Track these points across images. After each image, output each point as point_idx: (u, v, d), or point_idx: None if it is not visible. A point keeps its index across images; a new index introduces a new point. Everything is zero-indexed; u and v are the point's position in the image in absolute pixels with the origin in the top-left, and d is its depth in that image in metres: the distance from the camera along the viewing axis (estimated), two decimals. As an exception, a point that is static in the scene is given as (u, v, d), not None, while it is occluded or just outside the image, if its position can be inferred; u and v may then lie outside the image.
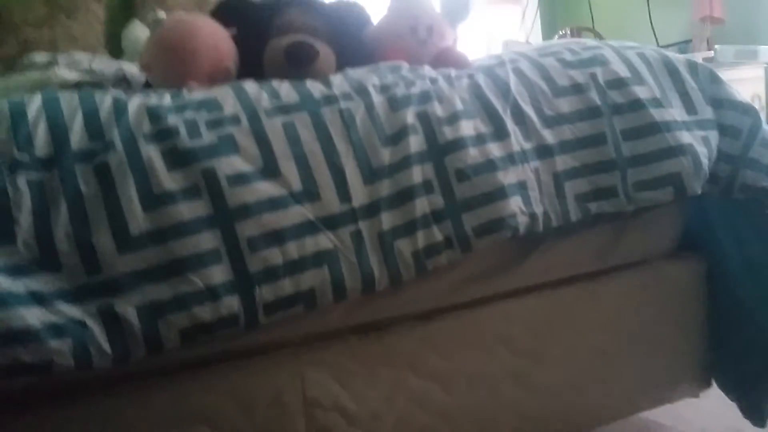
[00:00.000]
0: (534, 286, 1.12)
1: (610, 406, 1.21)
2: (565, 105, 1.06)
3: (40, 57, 1.30)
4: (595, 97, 1.07)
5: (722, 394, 1.29)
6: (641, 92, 1.09)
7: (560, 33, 2.99)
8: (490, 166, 0.97)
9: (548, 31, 3.34)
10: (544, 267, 1.11)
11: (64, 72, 1.20)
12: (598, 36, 2.88)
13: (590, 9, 3.01)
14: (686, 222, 1.23)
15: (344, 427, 0.99)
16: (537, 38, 3.35)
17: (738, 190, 1.12)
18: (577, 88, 1.07)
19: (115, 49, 2.53)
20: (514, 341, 1.09)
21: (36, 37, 2.56)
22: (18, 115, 0.84)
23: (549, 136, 1.04)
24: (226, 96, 0.93)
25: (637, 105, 1.07)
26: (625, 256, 1.18)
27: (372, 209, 0.92)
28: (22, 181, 0.78)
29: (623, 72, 1.10)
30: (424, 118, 0.98)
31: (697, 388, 1.28)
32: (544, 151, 1.03)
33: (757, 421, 1.23)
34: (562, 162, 1.04)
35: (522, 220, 0.98)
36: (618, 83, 1.09)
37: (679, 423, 1.42)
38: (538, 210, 1.01)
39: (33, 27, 2.58)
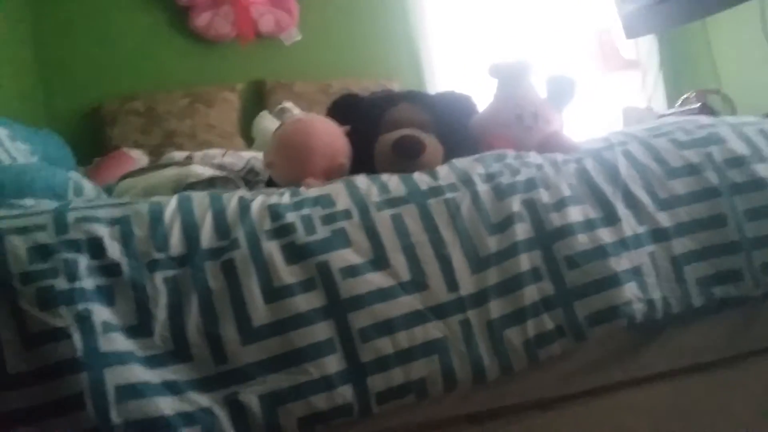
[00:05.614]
0: (658, 375, 1.06)
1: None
2: (680, 186, 1.03)
3: (178, 154, 1.45)
4: (712, 177, 1.04)
5: None
6: (763, 170, 1.04)
7: (685, 96, 2.89)
8: (600, 252, 0.96)
9: (673, 95, 3.22)
10: (667, 355, 1.05)
11: (199, 168, 1.32)
12: (725, 99, 2.76)
13: (716, 70, 2.89)
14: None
15: None
16: (660, 103, 3.23)
17: None
18: (692, 169, 1.05)
19: (249, 134, 2.75)
20: (636, 433, 1.04)
21: (178, 128, 2.84)
22: (156, 217, 0.93)
23: (664, 219, 1.01)
24: (339, 192, 0.99)
25: (759, 184, 1.03)
26: (759, 341, 1.10)
27: (480, 298, 0.93)
28: (159, 278, 0.87)
29: (742, 150, 1.06)
30: (531, 206, 0.99)
31: None
32: (659, 235, 1.00)
33: None
34: (680, 245, 1.00)
35: (638, 307, 0.95)
36: (737, 161, 1.05)
37: None
38: (656, 296, 0.97)
39: (176, 118, 2.86)
